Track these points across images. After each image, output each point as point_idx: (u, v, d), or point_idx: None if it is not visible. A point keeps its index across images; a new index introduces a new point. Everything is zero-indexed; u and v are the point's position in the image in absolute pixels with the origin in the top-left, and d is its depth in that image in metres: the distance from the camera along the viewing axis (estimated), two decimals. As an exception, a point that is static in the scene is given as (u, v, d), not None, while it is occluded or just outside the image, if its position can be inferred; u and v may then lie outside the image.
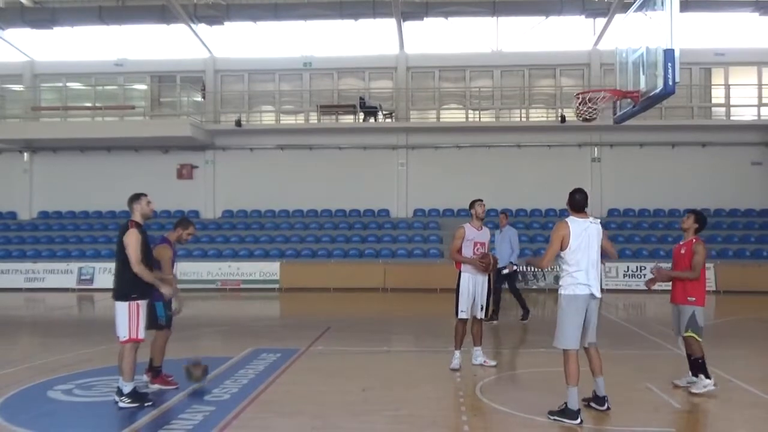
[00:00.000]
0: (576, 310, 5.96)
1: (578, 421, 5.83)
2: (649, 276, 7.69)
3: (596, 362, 6.14)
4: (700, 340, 7.00)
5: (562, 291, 6.06)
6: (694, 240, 7.13)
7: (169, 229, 7.51)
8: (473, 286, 8.03)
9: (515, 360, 8.60)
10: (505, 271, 11.97)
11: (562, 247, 6.02)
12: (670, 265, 7.43)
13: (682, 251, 7.16)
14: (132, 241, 6.33)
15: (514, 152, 22.25)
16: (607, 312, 13.86)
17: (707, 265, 8.12)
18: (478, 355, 8.27)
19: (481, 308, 8.14)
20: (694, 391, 6.89)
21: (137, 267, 6.30)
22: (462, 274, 8.08)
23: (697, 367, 6.97)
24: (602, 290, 6.22)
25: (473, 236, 8.07)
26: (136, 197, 6.64)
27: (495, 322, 11.96)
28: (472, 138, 22.31)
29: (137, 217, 6.56)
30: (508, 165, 22.06)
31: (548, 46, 22.64)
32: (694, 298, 7.00)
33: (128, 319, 6.34)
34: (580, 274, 5.97)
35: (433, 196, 22.27)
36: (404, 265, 19.96)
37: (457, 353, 8.09)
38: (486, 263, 7.97)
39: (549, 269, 18.87)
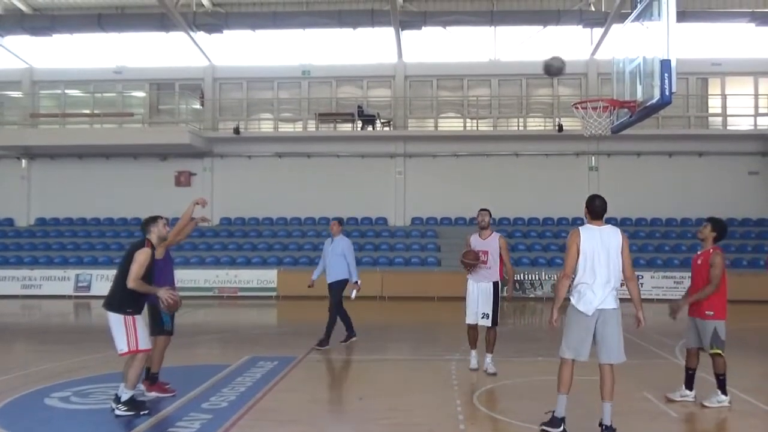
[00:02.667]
0: (579, 323, 5.67)
1: (560, 429, 5.64)
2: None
3: (607, 385, 5.61)
4: (723, 355, 6.70)
5: (569, 301, 5.80)
6: (711, 250, 6.76)
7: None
8: (476, 293, 8.27)
9: (513, 368, 8.59)
10: (354, 295, 10.80)
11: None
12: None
13: (699, 262, 6.83)
14: (141, 258, 6.38)
15: (512, 161, 22.29)
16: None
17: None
18: (487, 359, 8.34)
19: (485, 316, 8.17)
20: (706, 404, 6.72)
21: (133, 283, 6.30)
22: (468, 281, 8.41)
23: (719, 383, 6.74)
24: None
25: (476, 245, 8.30)
26: (153, 220, 6.75)
27: (353, 339, 10.74)
28: (470, 147, 22.36)
29: (153, 238, 6.66)
30: (506, 174, 22.09)
31: (546, 55, 22.63)
32: (712, 312, 6.65)
33: (125, 332, 6.35)
34: (584, 287, 5.66)
35: (431, 204, 22.29)
36: (402, 273, 19.95)
37: (473, 352, 8.45)
38: (467, 262, 8.16)
39: (547, 277, 18.89)
